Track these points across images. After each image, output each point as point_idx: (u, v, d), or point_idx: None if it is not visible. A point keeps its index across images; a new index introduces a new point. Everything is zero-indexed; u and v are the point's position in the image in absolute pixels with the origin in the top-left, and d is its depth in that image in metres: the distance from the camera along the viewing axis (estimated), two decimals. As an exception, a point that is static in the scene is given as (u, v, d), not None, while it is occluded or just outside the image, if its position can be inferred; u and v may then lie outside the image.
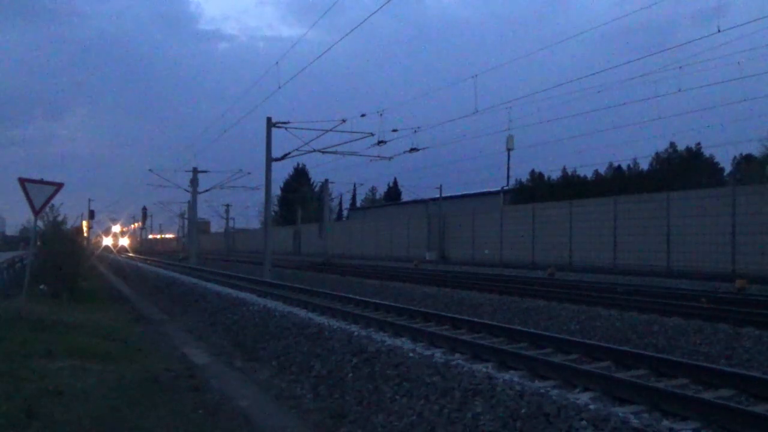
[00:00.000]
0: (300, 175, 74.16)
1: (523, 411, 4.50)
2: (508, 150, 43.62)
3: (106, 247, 61.95)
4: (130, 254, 57.64)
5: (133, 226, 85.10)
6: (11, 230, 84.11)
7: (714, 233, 21.41)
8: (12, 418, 4.80)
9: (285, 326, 8.86)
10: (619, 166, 43.89)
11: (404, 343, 7.00)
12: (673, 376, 6.11)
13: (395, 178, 69.81)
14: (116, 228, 73.75)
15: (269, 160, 23.52)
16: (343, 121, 22.54)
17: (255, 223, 76.99)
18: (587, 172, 44.78)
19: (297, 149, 24.31)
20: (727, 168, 40.89)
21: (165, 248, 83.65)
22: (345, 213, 76.62)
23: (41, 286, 14.69)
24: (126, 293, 19.62)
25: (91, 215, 55.15)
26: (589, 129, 69.91)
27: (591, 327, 9.92)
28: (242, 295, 12.65)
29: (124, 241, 75.55)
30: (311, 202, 64.88)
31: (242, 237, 74.73)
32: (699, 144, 41.01)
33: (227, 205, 66.42)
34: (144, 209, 66.87)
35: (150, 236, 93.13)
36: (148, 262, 38.50)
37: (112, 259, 46.04)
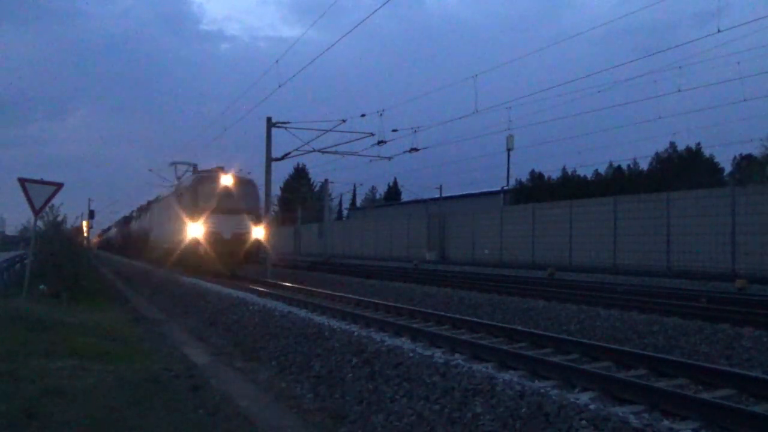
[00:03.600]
0: (300, 175, 74.17)
1: (523, 411, 4.49)
2: (508, 150, 43.62)
3: (195, 246, 18.85)
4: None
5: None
6: (11, 230, 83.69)
7: (714, 233, 21.41)
8: (12, 418, 4.80)
9: (285, 326, 8.86)
10: (619, 166, 43.96)
11: (404, 343, 7.00)
12: (673, 376, 6.11)
13: (395, 178, 69.82)
14: (227, 180, 19.89)
15: (269, 160, 23.53)
16: (343, 121, 22.55)
17: (255, 223, 76.53)
18: (587, 172, 44.85)
19: (297, 149, 24.31)
20: (727, 168, 40.96)
21: None
22: (345, 213, 76.65)
23: (41, 286, 14.69)
24: (126, 293, 19.62)
25: (91, 215, 55.12)
26: (589, 129, 69.95)
27: (591, 327, 9.91)
28: (242, 295, 12.65)
29: (258, 233, 19.79)
30: (311, 202, 64.91)
31: (242, 237, 74.19)
32: (699, 144, 41.12)
33: (228, 205, 65.44)
34: None
35: None
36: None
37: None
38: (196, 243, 18.81)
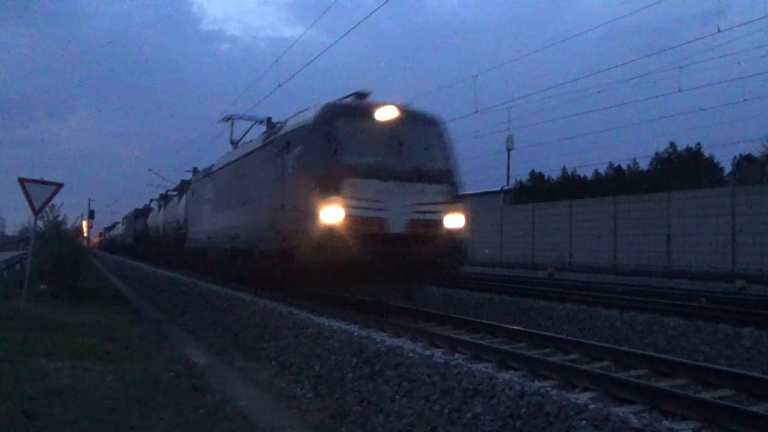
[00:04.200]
0: (300, 175, 73.81)
1: (523, 411, 4.49)
2: (508, 150, 43.62)
3: (330, 245, 8.74)
4: None
5: None
6: (11, 230, 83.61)
7: (714, 233, 21.41)
8: (12, 418, 4.80)
9: (285, 326, 8.86)
10: (619, 166, 43.87)
11: (404, 343, 6.99)
12: (673, 376, 6.11)
13: (395, 178, 69.61)
14: (391, 113, 9.65)
15: (269, 159, 23.10)
16: (345, 120, 22.17)
17: (255, 223, 76.24)
18: (587, 172, 44.77)
19: (298, 149, 23.72)
20: (727, 168, 40.94)
21: None
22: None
23: (41, 286, 14.69)
24: (126, 293, 19.62)
25: (91, 215, 55.09)
26: (589, 129, 70.04)
27: (591, 327, 9.91)
28: (242, 295, 12.64)
29: (458, 221, 9.71)
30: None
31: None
32: (699, 144, 41.05)
33: (229, 205, 64.84)
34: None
35: None
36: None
37: None
38: (330, 239, 9.00)
